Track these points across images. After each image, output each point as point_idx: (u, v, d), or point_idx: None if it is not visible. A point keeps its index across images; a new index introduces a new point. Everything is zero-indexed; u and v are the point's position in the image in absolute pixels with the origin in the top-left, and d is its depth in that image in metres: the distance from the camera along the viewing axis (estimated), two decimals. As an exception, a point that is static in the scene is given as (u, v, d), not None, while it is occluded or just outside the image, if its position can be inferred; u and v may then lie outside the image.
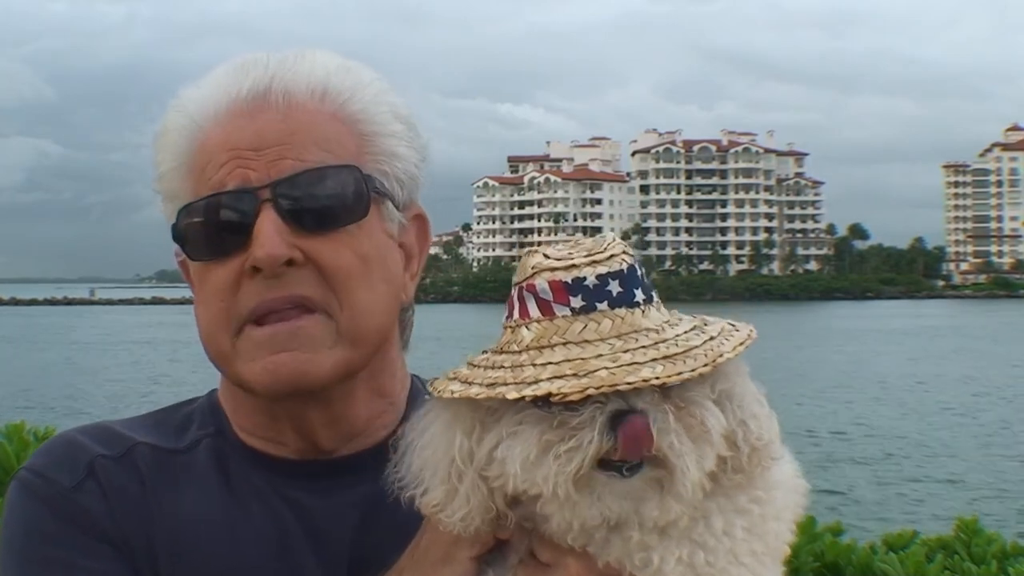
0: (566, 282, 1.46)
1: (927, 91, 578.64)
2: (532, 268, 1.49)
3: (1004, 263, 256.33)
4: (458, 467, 1.49)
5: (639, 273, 1.50)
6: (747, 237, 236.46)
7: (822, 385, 49.36)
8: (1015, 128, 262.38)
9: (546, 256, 1.50)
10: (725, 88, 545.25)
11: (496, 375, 1.44)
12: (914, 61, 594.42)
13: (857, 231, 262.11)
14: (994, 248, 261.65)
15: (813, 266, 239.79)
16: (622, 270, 1.48)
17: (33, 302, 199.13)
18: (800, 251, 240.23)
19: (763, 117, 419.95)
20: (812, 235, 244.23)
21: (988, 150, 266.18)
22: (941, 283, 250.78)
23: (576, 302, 1.46)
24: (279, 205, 1.64)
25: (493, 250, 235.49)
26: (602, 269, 1.47)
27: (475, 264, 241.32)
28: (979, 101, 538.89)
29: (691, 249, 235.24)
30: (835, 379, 52.53)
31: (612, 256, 1.48)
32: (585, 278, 1.46)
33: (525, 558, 1.55)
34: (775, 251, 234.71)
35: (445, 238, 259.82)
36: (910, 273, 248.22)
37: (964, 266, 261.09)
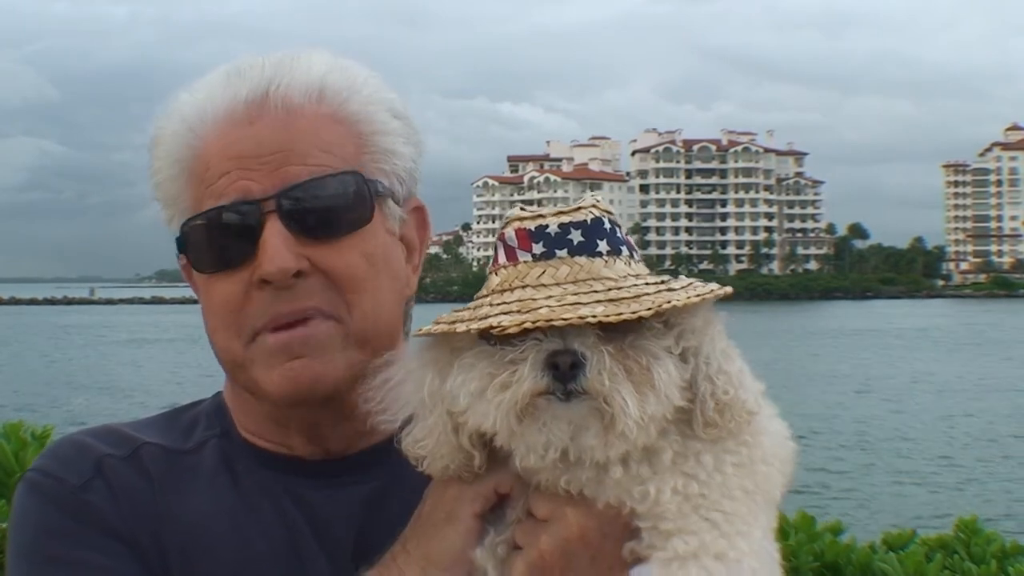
0: (529, 230, 1.52)
1: (927, 91, 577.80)
2: (506, 219, 1.57)
3: (1004, 263, 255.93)
4: (426, 402, 1.55)
5: (607, 227, 1.53)
6: (747, 237, 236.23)
7: (821, 384, 49.30)
8: (1015, 128, 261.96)
9: (523, 209, 1.57)
10: (724, 88, 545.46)
11: (460, 315, 1.51)
12: (913, 62, 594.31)
13: (857, 231, 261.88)
14: (994, 248, 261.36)
15: (813, 266, 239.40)
16: (585, 220, 1.52)
17: (33, 301, 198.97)
18: (800, 251, 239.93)
19: (763, 117, 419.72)
20: (812, 235, 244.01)
21: (988, 150, 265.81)
22: (941, 283, 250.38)
23: (537, 248, 1.51)
24: (284, 215, 1.63)
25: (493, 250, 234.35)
26: (565, 219, 1.52)
27: (475, 264, 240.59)
28: (979, 101, 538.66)
29: (691, 249, 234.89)
30: (834, 378, 52.46)
31: (580, 209, 1.54)
32: (548, 226, 1.51)
33: (522, 515, 1.56)
34: (775, 251, 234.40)
35: (445, 238, 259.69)
36: (910, 273, 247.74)
37: (964, 266, 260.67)
